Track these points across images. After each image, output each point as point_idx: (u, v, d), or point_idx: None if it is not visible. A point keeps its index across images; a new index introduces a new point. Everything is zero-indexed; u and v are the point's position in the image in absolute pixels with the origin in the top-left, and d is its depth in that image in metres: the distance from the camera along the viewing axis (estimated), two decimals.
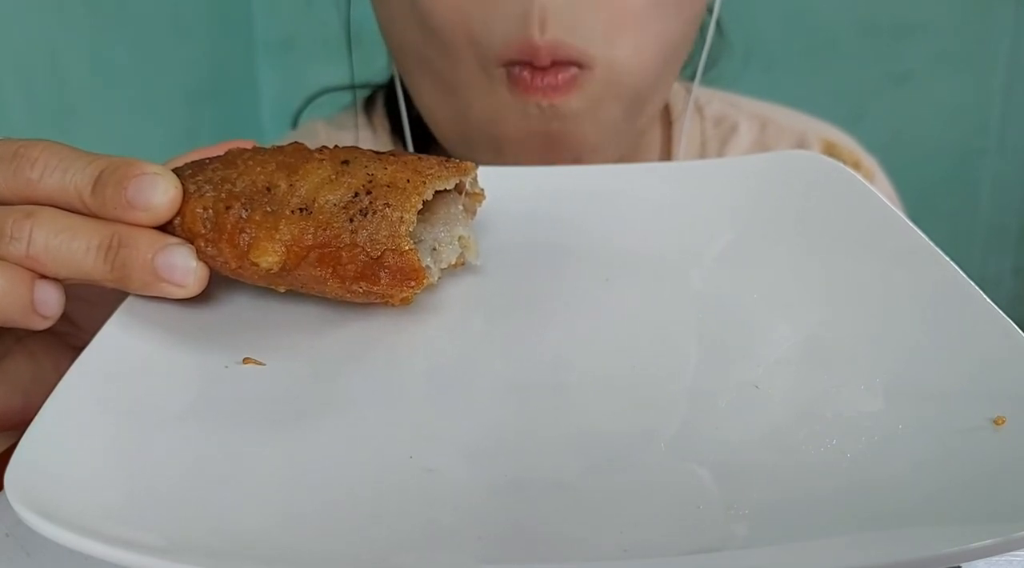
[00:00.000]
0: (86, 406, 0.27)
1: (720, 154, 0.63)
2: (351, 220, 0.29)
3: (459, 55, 0.49)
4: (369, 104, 0.67)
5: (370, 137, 0.65)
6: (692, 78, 0.59)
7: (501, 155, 0.51)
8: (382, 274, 0.30)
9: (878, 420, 0.26)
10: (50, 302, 0.29)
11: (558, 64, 0.47)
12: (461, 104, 0.51)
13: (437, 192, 0.31)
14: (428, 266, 0.31)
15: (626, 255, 0.36)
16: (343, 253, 0.29)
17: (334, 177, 0.30)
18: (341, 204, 0.30)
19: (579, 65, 0.47)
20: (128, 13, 1.09)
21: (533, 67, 0.47)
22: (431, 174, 0.31)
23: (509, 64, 0.48)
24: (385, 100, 0.66)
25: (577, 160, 0.51)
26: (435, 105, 0.53)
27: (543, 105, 0.48)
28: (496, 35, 0.47)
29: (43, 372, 0.33)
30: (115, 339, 0.30)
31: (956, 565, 0.21)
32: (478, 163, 0.34)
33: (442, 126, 0.54)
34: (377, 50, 0.56)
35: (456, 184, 0.32)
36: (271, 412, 0.28)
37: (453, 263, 0.33)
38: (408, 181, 0.30)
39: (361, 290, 0.30)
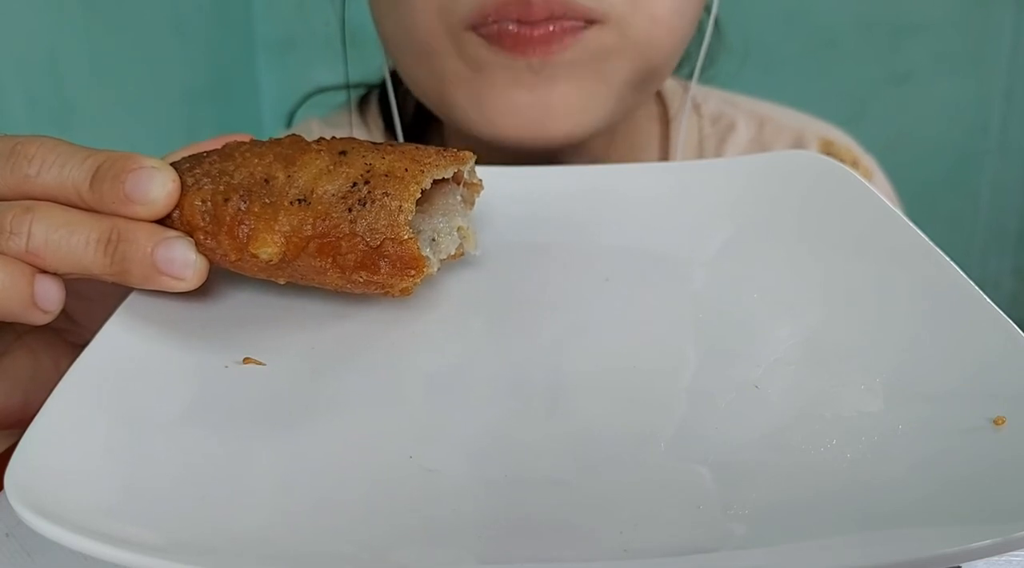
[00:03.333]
0: (86, 406, 0.27)
1: (718, 152, 0.63)
2: (350, 210, 0.29)
3: (428, 24, 0.46)
4: (363, 103, 0.67)
5: (364, 135, 0.65)
6: (690, 76, 0.59)
7: (490, 120, 0.48)
8: (382, 263, 0.29)
9: (878, 420, 0.26)
10: (50, 296, 0.29)
11: (553, 18, 0.44)
12: (441, 76, 0.48)
13: (435, 183, 0.31)
14: (428, 257, 0.31)
15: (626, 255, 0.36)
16: (342, 243, 0.29)
17: (332, 167, 0.30)
18: (340, 194, 0.30)
19: (586, 20, 0.45)
20: (128, 12, 1.08)
21: (521, 21, 0.44)
22: (429, 163, 0.31)
23: (481, 24, 0.45)
24: (379, 99, 0.66)
25: (570, 131, 0.48)
26: (423, 86, 0.51)
27: (534, 62, 0.45)
28: None
29: (43, 369, 0.33)
30: (116, 338, 0.30)
31: (956, 565, 0.21)
32: (476, 154, 0.34)
33: (431, 100, 0.52)
34: (373, 50, 0.56)
35: (454, 174, 0.32)
36: (271, 412, 0.28)
37: (452, 254, 0.33)
38: (406, 170, 0.30)
39: (361, 280, 0.30)
